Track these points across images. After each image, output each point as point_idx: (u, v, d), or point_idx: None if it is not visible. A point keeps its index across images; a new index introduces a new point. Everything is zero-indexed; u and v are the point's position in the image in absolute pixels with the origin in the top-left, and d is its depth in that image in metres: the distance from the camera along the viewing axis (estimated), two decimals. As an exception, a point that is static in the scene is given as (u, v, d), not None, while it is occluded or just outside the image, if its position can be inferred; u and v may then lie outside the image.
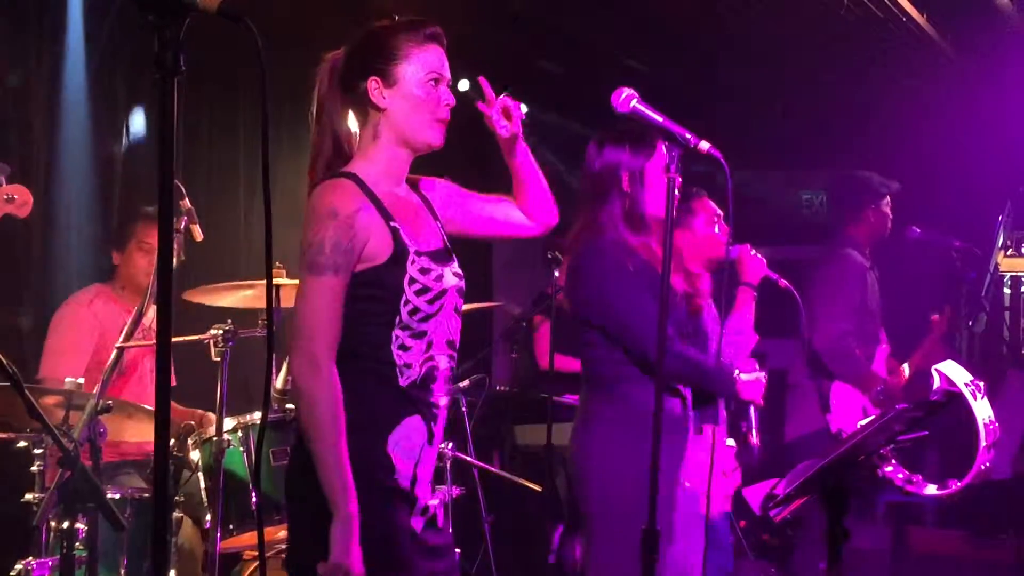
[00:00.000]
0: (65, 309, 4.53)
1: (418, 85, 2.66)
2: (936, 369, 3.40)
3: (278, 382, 4.04)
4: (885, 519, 5.82)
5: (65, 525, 3.21)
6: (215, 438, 3.74)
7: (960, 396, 3.23)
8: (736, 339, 3.91)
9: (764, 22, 6.40)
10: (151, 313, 4.18)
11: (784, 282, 4.27)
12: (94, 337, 4.43)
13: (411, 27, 2.69)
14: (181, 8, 1.78)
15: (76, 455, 3.08)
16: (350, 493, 2.48)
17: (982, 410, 3.39)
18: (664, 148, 3.50)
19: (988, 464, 3.53)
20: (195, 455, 3.94)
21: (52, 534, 3.49)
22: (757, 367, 3.73)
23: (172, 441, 3.86)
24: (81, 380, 3.79)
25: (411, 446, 2.62)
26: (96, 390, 3.51)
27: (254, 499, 3.79)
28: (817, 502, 3.01)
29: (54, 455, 3.48)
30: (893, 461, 3.82)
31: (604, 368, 3.54)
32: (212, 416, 3.99)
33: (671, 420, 3.49)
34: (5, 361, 2.75)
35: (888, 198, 5.40)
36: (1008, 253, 5.94)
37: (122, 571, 3.77)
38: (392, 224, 2.61)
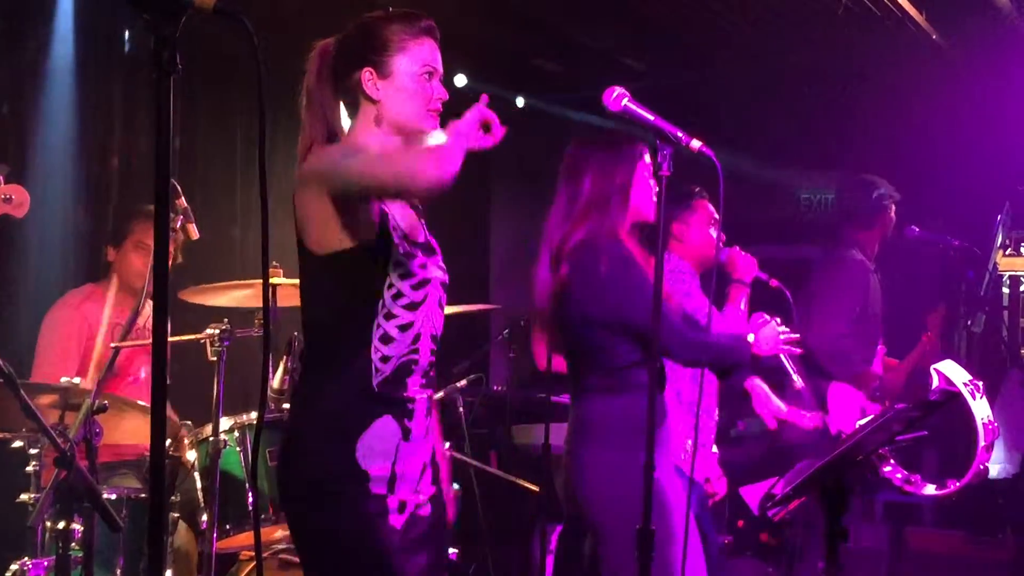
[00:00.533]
0: (55, 312, 4.52)
1: (412, 78, 2.66)
2: (935, 369, 3.39)
3: (275, 382, 4.02)
4: (884, 519, 5.83)
5: (61, 525, 3.20)
6: (211, 438, 3.73)
7: (959, 396, 3.23)
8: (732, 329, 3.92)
9: (762, 21, 6.39)
10: (147, 312, 4.17)
11: (775, 281, 4.27)
12: (83, 340, 4.42)
13: (405, 19, 2.69)
14: (177, 6, 1.77)
15: (72, 455, 3.06)
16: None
17: (981, 410, 3.39)
18: (643, 153, 3.57)
19: (987, 464, 3.52)
20: (191, 455, 3.93)
21: (48, 534, 3.48)
22: (765, 317, 3.71)
23: (168, 441, 3.85)
24: (77, 380, 3.78)
25: (383, 447, 2.60)
26: (92, 390, 3.50)
27: (251, 499, 3.77)
28: (816, 502, 3.01)
29: (50, 455, 3.46)
30: (892, 461, 3.82)
31: (603, 377, 3.53)
32: (185, 433, 3.98)
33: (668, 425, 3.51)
34: (0, 361, 2.74)
35: (892, 208, 5.40)
36: (1007, 252, 5.94)
37: (118, 571, 3.76)
38: (381, 206, 2.60)
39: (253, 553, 3.89)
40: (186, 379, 4.56)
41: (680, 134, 2.90)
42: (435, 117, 2.70)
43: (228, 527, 3.81)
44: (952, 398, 3.18)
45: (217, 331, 3.72)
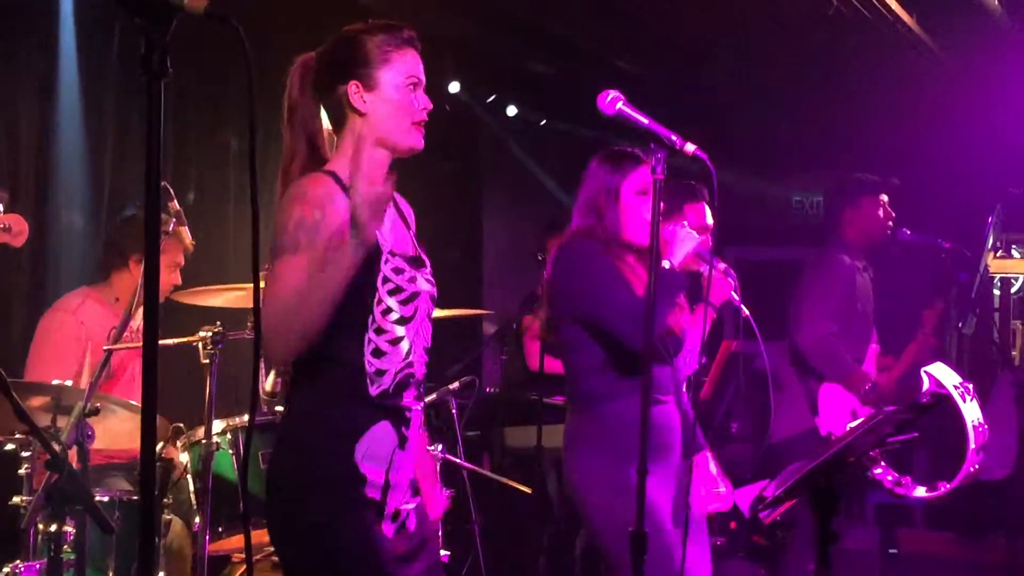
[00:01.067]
0: (51, 316, 4.49)
1: (397, 89, 2.66)
2: (925, 371, 3.41)
3: (267, 384, 4.03)
4: (874, 520, 5.84)
5: (53, 528, 3.20)
6: (204, 440, 3.73)
7: (949, 398, 3.25)
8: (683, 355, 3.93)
9: (753, 24, 6.41)
10: (140, 316, 4.17)
11: (745, 312, 4.28)
12: (82, 343, 4.40)
13: (387, 31, 2.69)
14: (168, 10, 1.77)
15: (64, 458, 3.07)
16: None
17: (971, 412, 3.40)
18: (634, 171, 3.54)
19: (977, 466, 3.54)
20: (184, 458, 3.93)
21: (40, 537, 3.47)
22: (720, 264, 3.69)
23: (161, 444, 3.85)
24: (69, 382, 3.77)
25: (381, 452, 2.60)
26: (85, 393, 3.50)
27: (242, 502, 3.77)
28: (806, 504, 3.02)
29: (42, 458, 3.46)
30: (883, 463, 3.84)
31: (588, 384, 3.56)
32: (172, 434, 3.98)
33: (663, 435, 3.50)
34: (-8, 364, 2.74)
35: (883, 196, 5.40)
36: (998, 255, 5.96)
37: (110, 574, 3.76)
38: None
39: (245, 555, 3.88)
40: (179, 382, 4.56)
41: (674, 138, 2.91)
42: (420, 130, 2.70)
43: (220, 529, 3.81)
44: (943, 400, 3.20)
45: (210, 334, 3.72)
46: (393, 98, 2.65)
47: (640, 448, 2.87)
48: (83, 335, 4.41)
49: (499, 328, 6.44)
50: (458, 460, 4.89)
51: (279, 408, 3.76)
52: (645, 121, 2.93)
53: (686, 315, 3.79)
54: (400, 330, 2.63)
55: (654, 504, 3.34)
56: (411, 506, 2.70)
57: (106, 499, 3.79)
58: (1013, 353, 7.03)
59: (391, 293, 2.61)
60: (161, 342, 1.77)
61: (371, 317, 2.59)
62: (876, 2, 5.91)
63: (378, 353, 2.60)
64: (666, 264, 3.44)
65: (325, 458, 2.57)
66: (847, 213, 5.39)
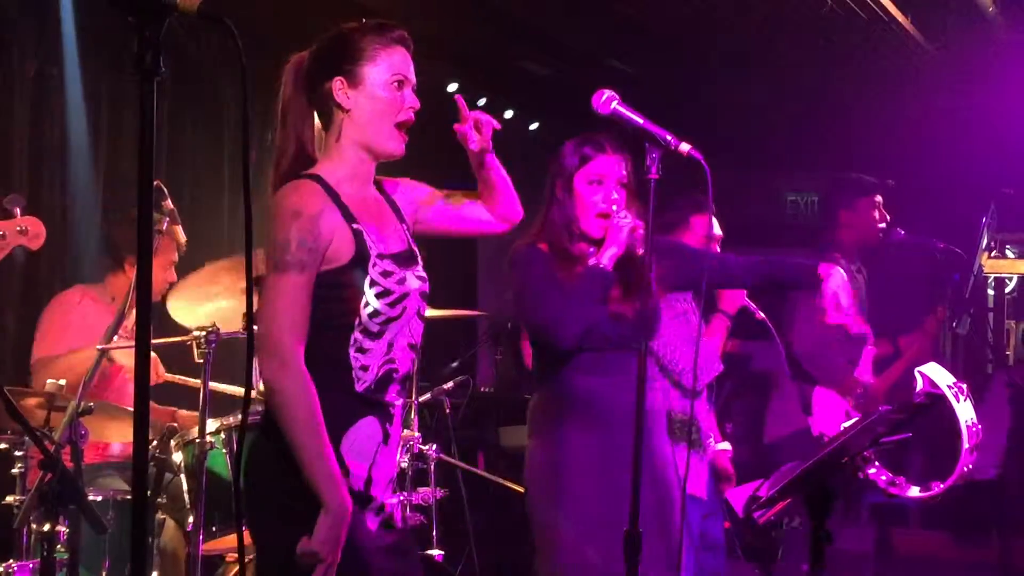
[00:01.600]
0: (54, 304, 4.52)
1: (382, 87, 2.65)
2: (919, 371, 3.40)
3: (260, 383, 4.02)
4: (869, 521, 5.84)
5: (46, 528, 3.18)
6: (198, 439, 3.73)
7: (943, 398, 3.24)
8: (700, 363, 3.92)
9: (748, 24, 6.41)
10: (133, 315, 4.16)
11: (760, 314, 4.30)
12: (86, 323, 4.40)
13: (377, 29, 2.69)
14: (161, 9, 1.77)
15: (57, 457, 3.06)
16: (339, 483, 2.49)
17: (965, 412, 3.40)
18: (587, 158, 3.48)
19: (971, 466, 3.54)
20: (178, 456, 3.92)
21: (33, 537, 3.47)
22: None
23: (154, 442, 3.85)
24: (63, 382, 3.77)
25: (365, 448, 2.61)
26: (78, 393, 3.49)
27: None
28: (801, 504, 3.02)
29: (35, 457, 3.46)
30: (876, 463, 3.83)
31: (537, 374, 3.57)
32: (184, 413, 3.97)
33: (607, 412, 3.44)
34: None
35: (877, 197, 5.40)
36: (992, 254, 5.97)
37: (104, 574, 3.76)
38: (355, 226, 2.60)
39: (238, 555, 3.88)
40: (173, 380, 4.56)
41: (669, 137, 2.90)
42: (402, 133, 2.68)
43: (214, 528, 3.81)
44: (936, 400, 3.19)
45: (203, 333, 3.71)
46: (377, 95, 2.65)
47: (635, 450, 2.86)
48: (86, 322, 4.42)
49: (493, 328, 6.44)
50: (452, 460, 4.89)
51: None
52: (640, 120, 2.93)
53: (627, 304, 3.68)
54: (385, 328, 2.63)
55: (573, 480, 3.36)
56: (393, 500, 2.71)
57: (99, 499, 3.79)
58: (1007, 352, 7.04)
59: (379, 296, 2.61)
60: (155, 341, 1.77)
61: (357, 319, 2.60)
62: (870, 2, 5.91)
63: (362, 350, 2.61)
64: (600, 261, 3.40)
65: None
66: (843, 215, 5.40)
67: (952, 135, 7.09)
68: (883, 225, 5.40)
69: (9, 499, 3.60)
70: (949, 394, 3.28)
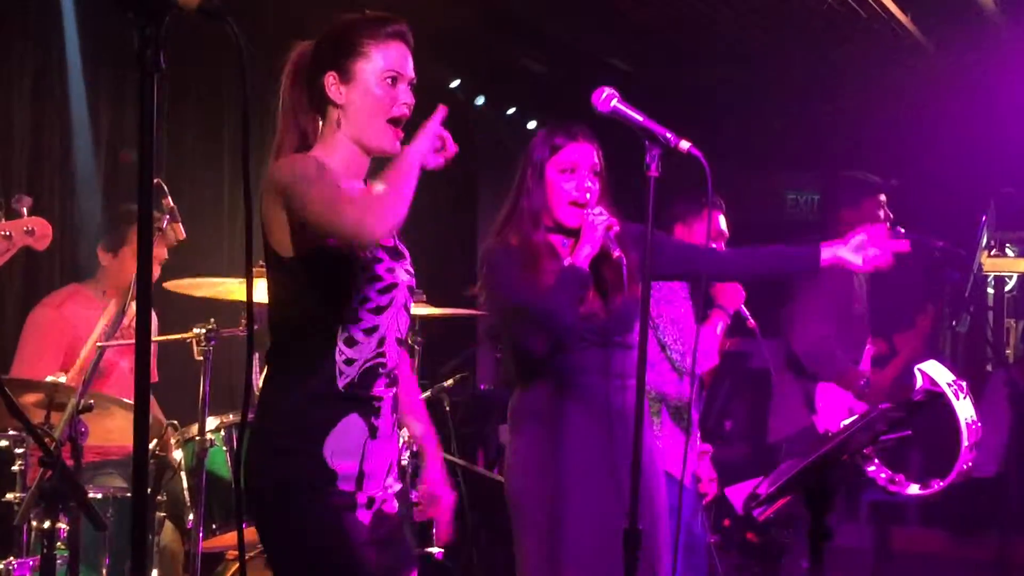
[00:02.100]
0: (36, 313, 4.51)
1: (375, 83, 2.62)
2: (919, 369, 3.40)
3: (260, 381, 4.02)
4: (868, 518, 5.85)
5: (46, 525, 3.18)
6: (197, 437, 3.73)
7: (943, 396, 3.24)
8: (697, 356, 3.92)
9: (748, 22, 6.41)
10: (132, 312, 4.16)
11: (752, 322, 4.32)
12: (65, 339, 4.40)
13: (374, 23, 2.66)
14: (161, 6, 1.77)
15: (57, 454, 3.06)
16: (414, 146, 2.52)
17: (964, 410, 3.40)
18: (558, 146, 3.41)
19: (970, 463, 3.54)
20: (177, 455, 3.92)
21: (33, 534, 3.47)
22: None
23: (154, 441, 3.85)
24: (63, 378, 3.77)
25: (350, 446, 2.59)
26: (78, 389, 3.49)
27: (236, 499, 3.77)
28: (800, 502, 3.02)
29: (35, 454, 3.46)
30: (876, 460, 3.83)
31: (510, 374, 3.54)
32: (171, 432, 3.96)
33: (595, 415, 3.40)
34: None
35: (882, 197, 5.40)
36: (992, 253, 5.96)
37: (104, 571, 3.76)
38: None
39: (238, 553, 3.88)
40: (172, 378, 4.56)
41: (669, 135, 2.90)
42: (395, 129, 2.66)
43: (214, 526, 3.82)
44: (936, 398, 3.19)
45: (203, 330, 3.71)
46: (369, 91, 2.62)
47: (634, 448, 2.86)
48: (67, 330, 4.42)
49: (493, 327, 6.44)
50: (452, 457, 4.90)
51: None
52: (640, 118, 2.92)
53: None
54: (375, 319, 2.61)
55: (567, 492, 3.33)
56: (390, 492, 2.70)
57: (99, 496, 3.79)
58: (1007, 351, 7.05)
59: (369, 282, 2.59)
60: (154, 339, 1.77)
61: (348, 305, 2.58)
62: (871, 0, 5.91)
63: (351, 342, 2.59)
64: (568, 261, 3.32)
65: (293, 457, 2.57)
66: (847, 214, 5.39)
67: (952, 133, 7.09)
68: (888, 224, 5.40)
69: (9, 496, 3.60)
70: (949, 392, 3.28)
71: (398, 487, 2.73)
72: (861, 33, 6.34)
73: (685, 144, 2.90)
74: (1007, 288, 7.13)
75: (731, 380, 6.82)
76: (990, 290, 7.15)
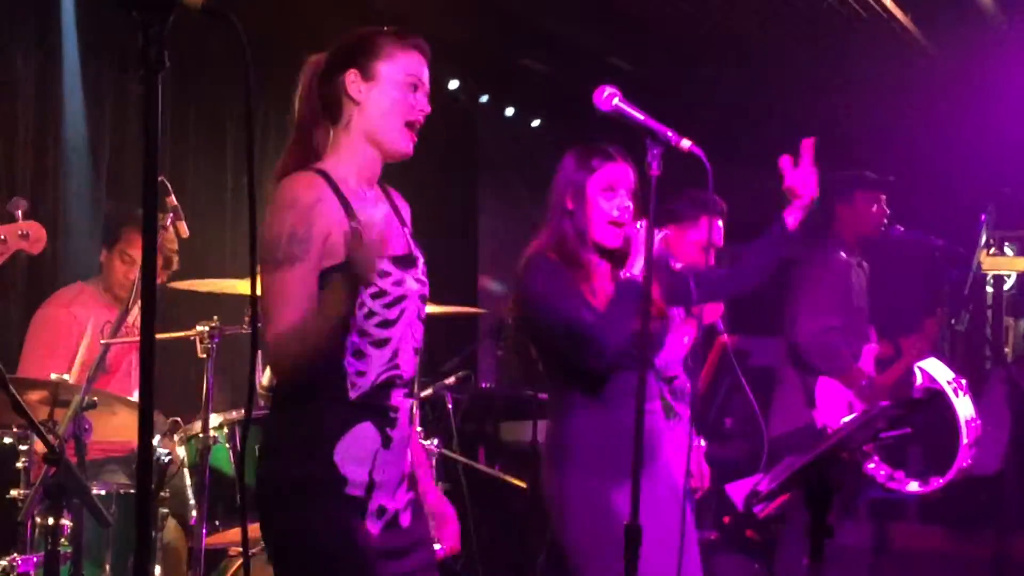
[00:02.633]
0: (43, 311, 4.52)
1: (395, 85, 2.64)
2: (918, 367, 3.43)
3: (263, 378, 4.04)
4: (867, 515, 5.86)
5: (50, 521, 3.20)
6: (201, 434, 3.74)
7: (942, 394, 3.27)
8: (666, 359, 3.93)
9: (748, 21, 6.42)
10: (136, 310, 4.18)
11: (726, 336, 4.35)
12: (73, 338, 4.41)
13: (397, 33, 2.69)
14: (165, 4, 1.78)
15: (61, 451, 3.07)
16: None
17: (964, 408, 3.42)
18: (599, 166, 3.42)
19: (970, 461, 3.56)
20: (181, 451, 3.94)
21: (37, 530, 3.48)
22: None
23: (157, 438, 3.86)
24: (67, 376, 3.78)
25: (362, 453, 2.59)
26: (82, 387, 3.51)
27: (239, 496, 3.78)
28: (800, 498, 3.03)
29: (39, 451, 3.47)
30: (876, 458, 3.86)
31: (558, 394, 3.47)
32: (170, 430, 3.97)
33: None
34: (-10, 357, 2.75)
35: (878, 194, 5.41)
36: (991, 252, 5.96)
37: (107, 567, 3.77)
38: (353, 224, 2.55)
39: (241, 549, 3.90)
40: (176, 376, 4.58)
41: (670, 134, 2.90)
42: (411, 133, 2.67)
43: (217, 523, 3.83)
44: (936, 396, 3.22)
45: (207, 328, 3.73)
46: (389, 92, 2.64)
47: (635, 448, 2.86)
48: (75, 329, 4.44)
49: (495, 324, 6.45)
50: (454, 454, 4.91)
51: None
52: (641, 117, 2.93)
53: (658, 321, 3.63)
54: (384, 333, 2.61)
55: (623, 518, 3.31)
56: (401, 502, 2.68)
57: (103, 492, 3.80)
58: (1006, 350, 7.05)
59: (374, 297, 2.59)
60: (158, 336, 1.78)
61: (352, 320, 2.57)
62: (872, 0, 5.92)
63: (359, 355, 2.58)
64: (626, 274, 3.33)
65: (304, 461, 2.57)
66: (840, 209, 5.41)
67: (951, 133, 7.10)
68: (883, 221, 5.42)
69: (13, 493, 3.61)
70: (948, 390, 3.31)
71: (410, 496, 2.72)
72: (861, 33, 6.34)
73: (686, 143, 2.90)
74: (1006, 287, 7.14)
75: (730, 377, 6.83)
76: (989, 289, 7.16)
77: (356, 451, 2.58)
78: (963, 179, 7.02)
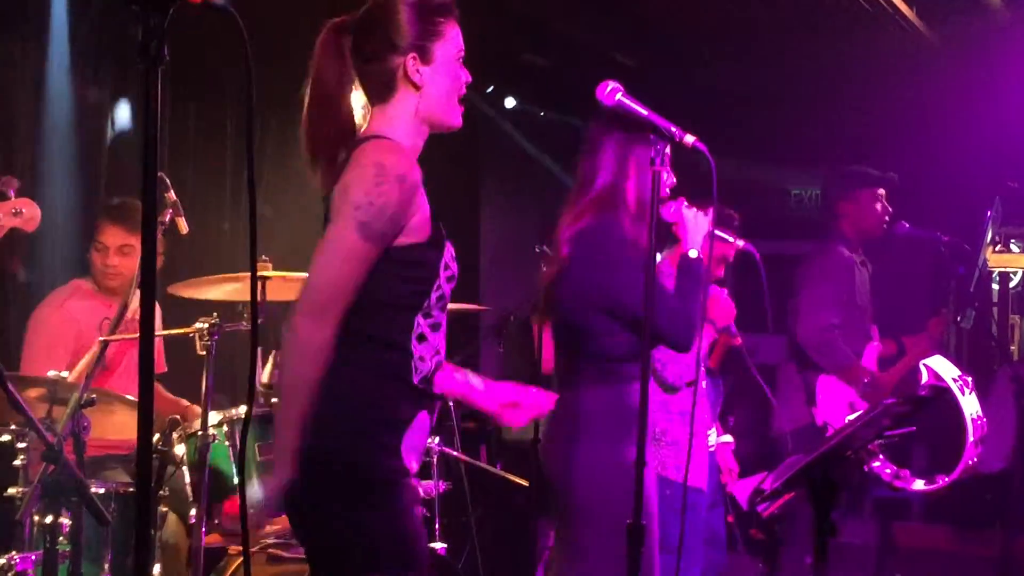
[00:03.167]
0: (39, 311, 4.51)
1: (450, 64, 2.65)
2: (924, 364, 3.40)
3: (264, 376, 4.02)
4: (872, 514, 5.83)
5: (49, 519, 3.19)
6: (200, 432, 3.72)
7: (948, 391, 3.24)
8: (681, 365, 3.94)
9: (752, 16, 6.40)
10: (135, 306, 4.16)
11: (739, 339, 4.35)
12: (70, 337, 4.40)
13: (437, 4, 2.66)
14: (166, -2, 1.76)
15: (60, 449, 3.05)
16: (289, 460, 2.47)
17: (970, 405, 3.40)
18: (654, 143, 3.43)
19: (976, 459, 3.53)
20: (180, 449, 3.92)
21: (36, 528, 3.46)
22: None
23: (157, 436, 3.83)
24: (65, 373, 3.76)
25: (419, 444, 2.59)
26: (81, 384, 3.49)
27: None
28: (805, 497, 3.01)
29: (38, 449, 3.44)
30: (881, 456, 3.83)
31: (597, 366, 3.42)
32: (197, 409, 3.95)
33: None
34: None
35: (880, 190, 5.39)
36: (996, 249, 5.95)
37: (106, 566, 3.75)
38: (432, 207, 2.56)
39: (241, 547, 3.88)
40: (175, 373, 4.56)
41: (674, 129, 2.89)
42: (460, 106, 2.68)
43: (217, 521, 3.81)
44: (941, 393, 3.19)
45: (206, 325, 3.71)
46: (448, 72, 2.64)
47: (637, 447, 2.85)
48: (71, 328, 4.42)
49: (497, 322, 6.43)
50: (455, 453, 4.89)
51: (275, 399, 3.74)
52: (644, 112, 2.92)
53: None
54: (441, 316, 2.61)
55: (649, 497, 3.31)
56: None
57: (102, 491, 3.78)
58: (1011, 347, 7.03)
59: (448, 280, 2.59)
60: (157, 333, 1.76)
61: (426, 302, 2.55)
62: (876, -5, 5.91)
63: (421, 338, 2.56)
64: (693, 253, 3.40)
65: (376, 449, 2.51)
66: (843, 206, 5.39)
67: (957, 128, 7.07)
68: (886, 218, 5.39)
69: (12, 491, 3.59)
70: (954, 387, 3.28)
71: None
72: (866, 28, 6.32)
73: (690, 138, 2.89)
74: (1012, 284, 7.12)
75: (735, 375, 6.80)
76: (995, 286, 7.13)
77: (416, 442, 2.57)
78: (968, 175, 6.99)
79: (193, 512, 3.74)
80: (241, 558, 3.98)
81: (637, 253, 3.26)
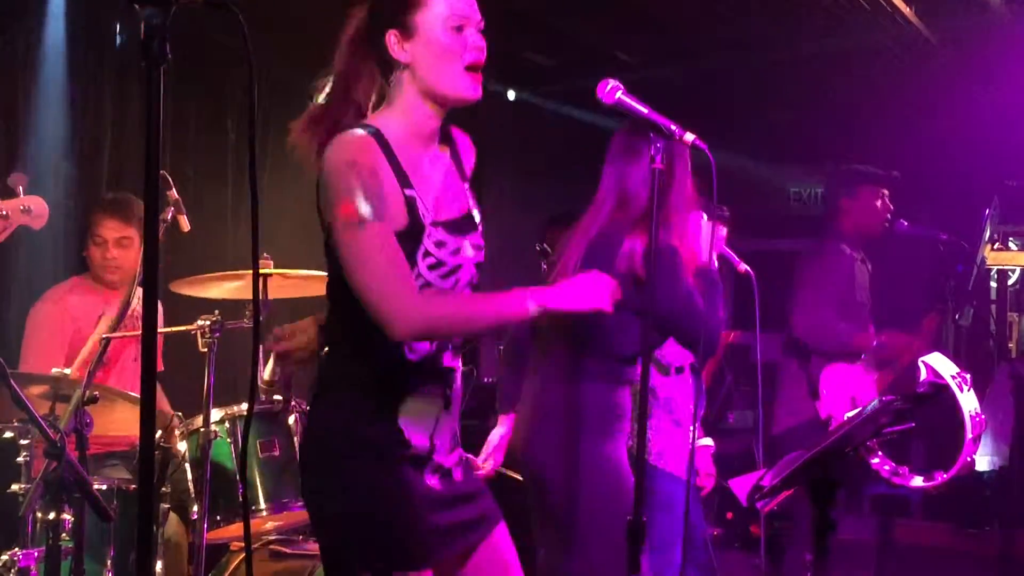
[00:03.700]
0: (37, 309, 4.52)
1: (441, 32, 2.47)
2: (923, 361, 3.40)
3: (265, 373, 4.02)
4: (871, 511, 5.85)
5: (51, 516, 3.20)
6: (202, 429, 3.73)
7: (947, 388, 3.24)
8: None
9: (752, 15, 6.41)
10: (135, 302, 4.17)
11: (733, 334, 4.36)
12: (68, 333, 4.41)
13: None
14: (168, -4, 1.77)
15: (62, 446, 3.07)
16: (519, 297, 2.52)
17: (968, 402, 3.40)
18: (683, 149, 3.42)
19: (975, 456, 3.54)
20: (182, 446, 3.93)
21: (38, 525, 3.47)
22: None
23: (159, 432, 3.85)
24: (68, 370, 3.77)
25: (426, 418, 2.56)
26: (83, 380, 3.49)
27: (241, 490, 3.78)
28: (804, 494, 3.02)
29: (40, 445, 3.46)
30: (880, 453, 3.84)
31: (602, 364, 3.46)
32: (176, 423, 3.96)
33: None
34: (-10, 351, 2.74)
35: (882, 189, 5.40)
36: (995, 247, 5.96)
37: (108, 562, 3.76)
38: (408, 192, 2.46)
39: (243, 544, 3.89)
40: (177, 370, 4.57)
41: (674, 127, 2.89)
42: (473, 75, 2.52)
43: (219, 518, 3.82)
44: (940, 390, 3.19)
45: (208, 322, 3.72)
46: (436, 43, 2.48)
47: (637, 446, 2.86)
48: (69, 324, 4.43)
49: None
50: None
51: (277, 396, 3.75)
52: (644, 110, 2.92)
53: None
54: None
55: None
56: (455, 460, 2.65)
57: (104, 487, 3.80)
58: (1010, 345, 7.05)
59: (431, 268, 2.52)
60: (160, 330, 1.77)
61: None
62: (875, -6, 5.92)
63: None
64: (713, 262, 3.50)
65: (370, 422, 2.51)
66: (844, 203, 5.39)
67: (956, 127, 7.09)
68: (887, 216, 5.40)
69: (14, 487, 3.60)
70: (953, 384, 3.28)
71: (459, 455, 2.68)
72: (864, 26, 6.33)
73: (690, 136, 2.89)
74: (1010, 282, 7.14)
75: (734, 373, 6.82)
76: (993, 283, 7.16)
77: (419, 415, 2.54)
78: (967, 173, 7.01)
79: (195, 509, 3.75)
80: (243, 554, 3.99)
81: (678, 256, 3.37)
